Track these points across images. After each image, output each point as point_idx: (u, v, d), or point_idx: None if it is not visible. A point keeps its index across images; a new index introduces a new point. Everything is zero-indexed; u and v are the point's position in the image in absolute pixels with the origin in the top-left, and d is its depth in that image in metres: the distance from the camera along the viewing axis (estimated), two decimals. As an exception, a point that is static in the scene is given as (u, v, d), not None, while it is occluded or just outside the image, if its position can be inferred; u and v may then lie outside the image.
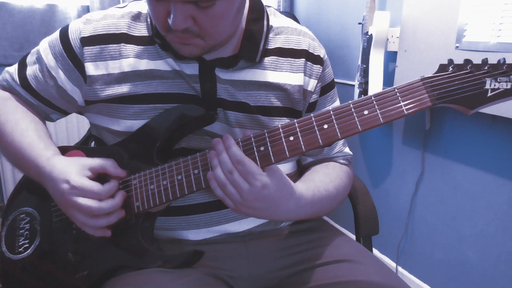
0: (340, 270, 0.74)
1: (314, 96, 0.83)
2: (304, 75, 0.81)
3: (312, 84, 0.82)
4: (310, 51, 0.82)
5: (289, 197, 0.69)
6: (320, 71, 0.83)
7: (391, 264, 1.85)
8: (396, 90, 0.61)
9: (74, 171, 0.69)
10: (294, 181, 0.89)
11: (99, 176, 0.72)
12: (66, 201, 0.69)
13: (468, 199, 1.49)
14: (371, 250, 0.96)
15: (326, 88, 0.85)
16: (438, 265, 1.64)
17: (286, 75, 0.79)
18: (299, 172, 0.89)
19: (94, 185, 0.68)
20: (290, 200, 0.69)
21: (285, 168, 0.85)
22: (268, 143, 0.65)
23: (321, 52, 0.84)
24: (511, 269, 1.37)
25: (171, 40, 0.70)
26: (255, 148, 0.66)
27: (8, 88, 0.84)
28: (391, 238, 1.83)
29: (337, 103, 0.89)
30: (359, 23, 1.72)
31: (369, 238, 0.98)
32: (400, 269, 1.82)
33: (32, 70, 0.81)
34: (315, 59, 0.82)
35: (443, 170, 1.57)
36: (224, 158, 0.64)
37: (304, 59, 0.81)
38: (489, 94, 0.59)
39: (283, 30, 0.82)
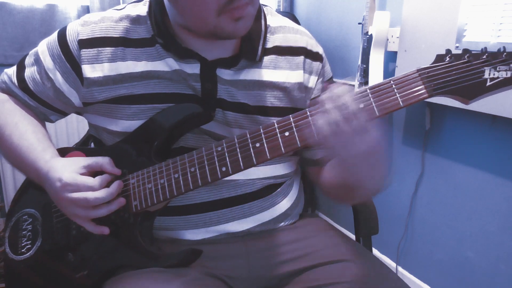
0: (340, 270, 0.74)
1: (316, 93, 0.83)
2: (304, 72, 0.81)
3: (312, 81, 0.82)
4: (308, 48, 0.83)
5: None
6: (320, 68, 0.84)
7: (391, 264, 1.85)
8: (392, 82, 0.60)
9: (68, 170, 0.69)
10: (293, 182, 0.89)
11: (96, 174, 0.72)
12: (61, 199, 0.69)
13: (468, 199, 1.49)
14: (371, 250, 0.96)
15: None
16: (438, 265, 1.64)
17: (286, 73, 0.80)
18: (313, 165, 0.87)
19: (86, 179, 0.69)
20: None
21: (285, 167, 0.85)
22: (264, 139, 0.65)
23: (319, 49, 0.85)
24: (511, 269, 1.37)
25: (225, 20, 0.67)
26: (250, 145, 0.66)
27: (6, 90, 0.84)
28: (391, 238, 1.83)
29: None
30: (359, 23, 1.72)
31: (369, 238, 0.98)
32: (400, 269, 1.82)
33: (30, 72, 0.81)
34: (314, 56, 0.83)
35: (443, 170, 1.56)
36: (332, 106, 0.59)
37: (303, 57, 0.81)
38: (488, 83, 0.57)
39: (281, 29, 0.82)
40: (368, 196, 0.69)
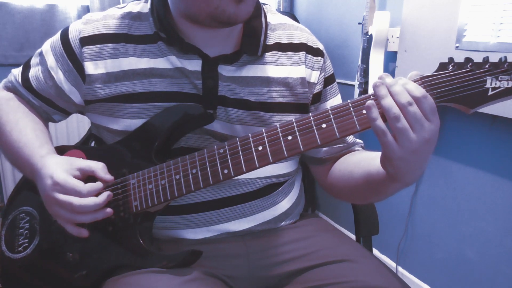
0: (340, 270, 0.74)
1: (318, 87, 0.84)
2: (306, 67, 0.82)
3: (315, 76, 0.83)
4: (309, 44, 0.83)
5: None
6: (322, 63, 0.84)
7: (391, 264, 1.85)
8: None
9: (60, 169, 0.69)
10: (294, 181, 0.89)
11: (90, 179, 0.71)
12: (48, 197, 0.68)
13: (468, 199, 1.49)
14: (371, 250, 0.96)
15: (328, 80, 0.86)
16: (438, 265, 1.64)
17: (288, 69, 0.80)
18: (316, 163, 0.88)
19: (77, 183, 0.68)
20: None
21: (286, 166, 0.84)
22: (266, 143, 0.65)
23: (319, 45, 0.86)
24: (511, 269, 1.37)
25: (227, 2, 0.66)
26: (253, 148, 0.66)
27: (12, 88, 0.86)
28: (391, 238, 1.83)
29: (338, 97, 0.89)
30: (359, 23, 1.72)
31: (369, 238, 0.98)
32: (400, 269, 1.82)
33: (34, 71, 0.82)
34: (315, 52, 0.84)
35: (443, 170, 1.56)
36: (399, 89, 0.57)
37: (304, 52, 0.82)
38: (490, 93, 0.58)
39: (281, 26, 0.83)
40: (396, 192, 0.67)
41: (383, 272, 0.74)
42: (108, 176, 0.72)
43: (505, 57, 0.58)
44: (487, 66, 0.58)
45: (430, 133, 0.57)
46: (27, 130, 0.78)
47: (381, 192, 0.70)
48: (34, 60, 0.84)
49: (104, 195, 0.69)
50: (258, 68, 0.78)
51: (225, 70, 0.77)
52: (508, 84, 0.57)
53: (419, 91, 0.56)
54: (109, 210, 0.70)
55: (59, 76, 0.79)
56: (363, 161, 0.75)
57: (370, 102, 0.58)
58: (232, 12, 0.68)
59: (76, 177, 0.69)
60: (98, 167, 0.71)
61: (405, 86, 0.57)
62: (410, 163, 0.59)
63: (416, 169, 0.60)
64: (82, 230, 0.71)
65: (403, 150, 0.57)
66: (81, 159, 0.74)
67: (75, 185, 0.67)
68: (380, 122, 0.57)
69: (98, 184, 0.70)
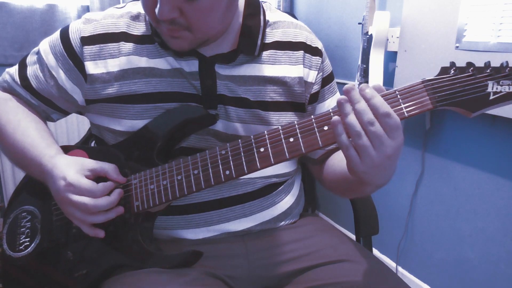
0: (340, 270, 0.74)
1: (316, 87, 0.83)
2: (304, 66, 0.82)
3: (312, 76, 0.83)
4: (308, 43, 0.83)
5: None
6: (320, 62, 0.84)
7: (391, 264, 1.85)
8: (397, 92, 0.61)
9: (73, 170, 0.69)
10: (294, 181, 0.89)
11: (100, 178, 0.72)
12: (62, 198, 0.69)
13: (468, 199, 1.49)
14: (371, 250, 0.96)
15: (326, 79, 0.86)
16: (438, 265, 1.64)
17: (285, 68, 0.80)
18: (314, 164, 0.89)
19: (90, 183, 0.68)
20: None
21: (286, 166, 0.85)
22: (268, 144, 0.65)
23: (318, 44, 0.85)
24: (511, 269, 1.37)
25: (161, 32, 0.71)
26: (255, 149, 0.66)
27: (8, 89, 0.85)
28: (391, 238, 1.83)
29: (337, 95, 0.89)
30: (359, 23, 1.72)
31: (369, 238, 0.98)
32: (400, 269, 1.82)
33: (32, 70, 0.82)
34: (314, 51, 0.83)
35: (443, 170, 1.57)
36: (362, 107, 0.57)
37: (302, 51, 0.82)
38: (491, 97, 0.58)
39: (280, 24, 0.83)
40: (373, 191, 0.69)
41: (383, 272, 0.74)
42: (121, 178, 0.73)
43: (507, 62, 0.58)
44: (488, 71, 0.58)
45: (391, 149, 0.58)
46: (31, 131, 0.78)
47: (358, 190, 0.72)
48: (31, 58, 0.83)
49: (116, 193, 0.70)
50: (255, 67, 0.78)
51: (222, 69, 0.77)
52: (509, 89, 0.58)
53: (383, 108, 0.57)
54: (120, 208, 0.71)
55: (60, 75, 0.79)
56: (343, 160, 0.76)
57: (335, 118, 0.58)
58: (171, 44, 0.72)
59: (87, 177, 0.70)
60: (110, 168, 0.72)
61: (371, 102, 0.57)
62: (374, 175, 0.60)
63: (382, 177, 0.62)
64: (98, 230, 0.71)
65: (365, 165, 0.58)
66: (92, 160, 0.74)
67: (88, 186, 0.68)
68: (344, 137, 0.58)
69: (110, 184, 0.71)
